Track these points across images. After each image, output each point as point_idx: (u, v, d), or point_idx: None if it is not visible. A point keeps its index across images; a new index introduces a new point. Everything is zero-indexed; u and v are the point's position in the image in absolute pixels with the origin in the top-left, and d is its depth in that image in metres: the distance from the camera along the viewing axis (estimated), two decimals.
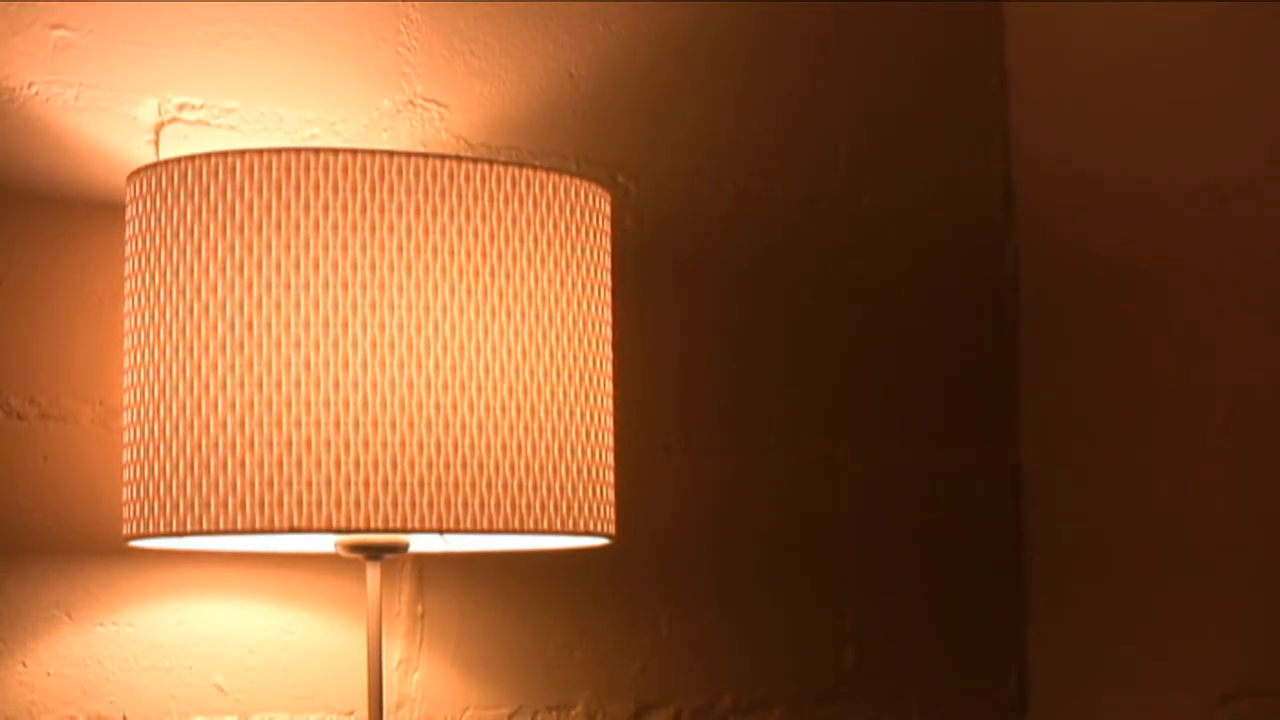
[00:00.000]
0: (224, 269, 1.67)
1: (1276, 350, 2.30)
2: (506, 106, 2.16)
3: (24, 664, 1.85)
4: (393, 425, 1.67)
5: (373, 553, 1.79)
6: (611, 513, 1.83)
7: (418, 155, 1.71)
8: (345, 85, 2.06)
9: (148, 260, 1.72)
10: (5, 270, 1.87)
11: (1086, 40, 2.50)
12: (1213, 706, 2.33)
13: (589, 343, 1.80)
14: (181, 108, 1.97)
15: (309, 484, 1.65)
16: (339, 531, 1.67)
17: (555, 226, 1.77)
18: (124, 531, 1.75)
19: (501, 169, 1.74)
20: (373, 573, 1.81)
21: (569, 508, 1.76)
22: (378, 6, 2.09)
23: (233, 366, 1.66)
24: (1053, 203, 2.52)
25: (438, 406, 1.69)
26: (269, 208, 1.67)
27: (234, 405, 1.66)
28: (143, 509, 1.71)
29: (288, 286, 1.67)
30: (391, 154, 1.70)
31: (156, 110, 1.95)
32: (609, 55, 2.24)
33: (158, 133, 1.95)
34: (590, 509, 1.79)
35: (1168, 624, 2.38)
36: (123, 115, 1.93)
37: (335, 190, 1.68)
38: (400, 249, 1.69)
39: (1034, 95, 2.54)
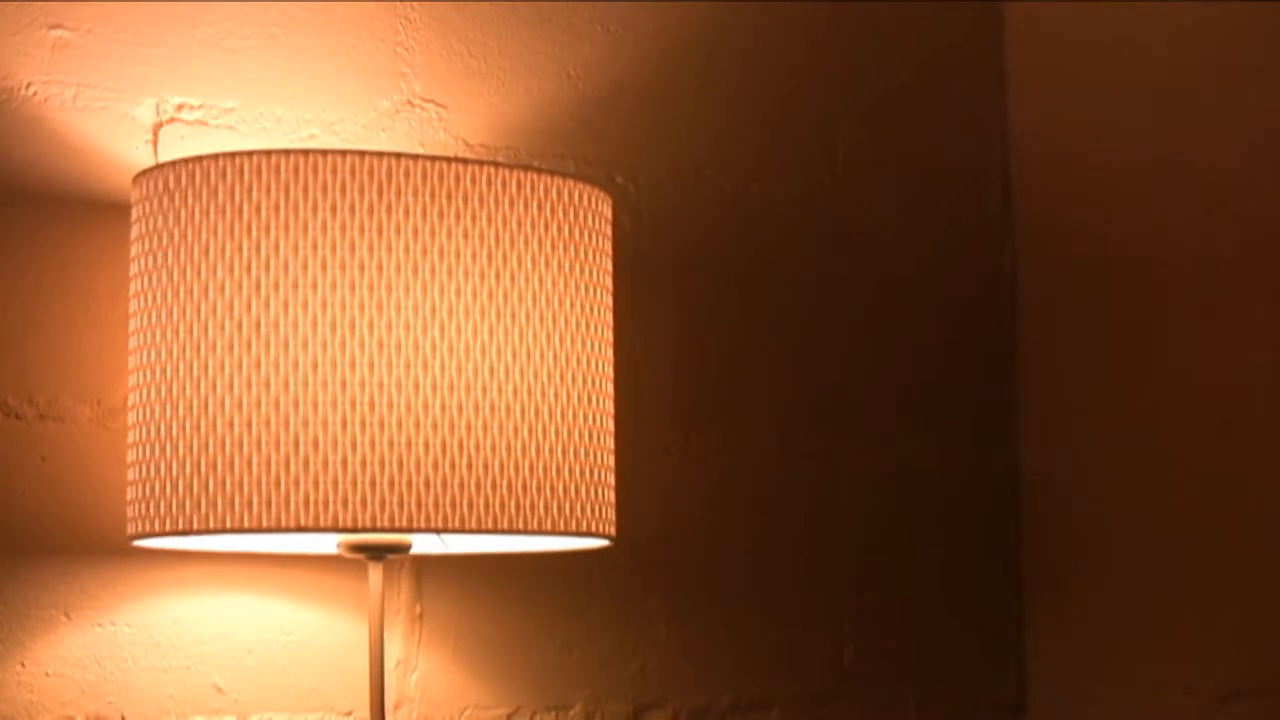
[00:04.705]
0: (230, 269, 1.68)
1: (1276, 350, 2.30)
2: (505, 107, 2.16)
3: (22, 664, 1.85)
4: (397, 426, 1.67)
5: (375, 553, 1.79)
6: (612, 514, 1.83)
7: (416, 156, 1.71)
8: (344, 85, 2.06)
9: (153, 261, 1.72)
10: (2, 270, 1.86)
11: (1085, 40, 2.50)
12: (1213, 706, 2.33)
13: (589, 344, 1.80)
14: (180, 108, 1.96)
15: (315, 483, 1.65)
16: (344, 531, 1.67)
17: (556, 229, 1.77)
18: (128, 531, 1.75)
19: (504, 171, 1.74)
20: (375, 573, 1.81)
21: (570, 508, 1.76)
22: (376, 7, 2.09)
23: (239, 366, 1.66)
24: (1051, 202, 2.52)
25: (442, 407, 1.69)
26: (276, 208, 1.68)
27: (240, 405, 1.66)
28: (147, 508, 1.71)
29: (294, 287, 1.67)
30: (390, 155, 1.70)
31: (155, 110, 1.95)
32: (608, 56, 2.24)
33: (156, 133, 1.95)
34: (591, 510, 1.79)
35: (1168, 624, 2.38)
36: (121, 115, 1.93)
37: (343, 191, 1.68)
38: (406, 250, 1.69)
39: (1033, 95, 2.54)
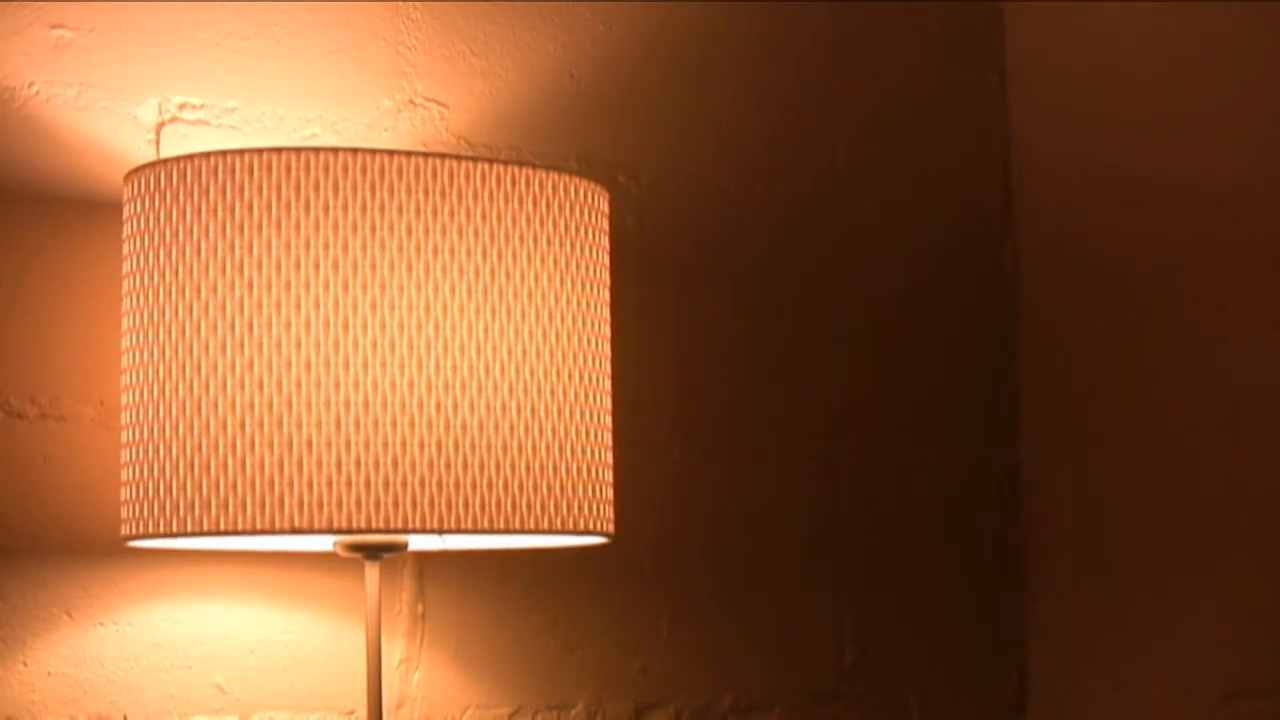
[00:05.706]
0: (223, 268, 1.67)
1: (1277, 349, 2.30)
2: (507, 106, 2.16)
3: (24, 663, 1.85)
4: (393, 425, 1.67)
5: (371, 552, 1.79)
6: (610, 511, 1.83)
7: (418, 154, 1.71)
8: (346, 85, 2.06)
9: (145, 260, 1.72)
10: (5, 270, 1.87)
11: (1086, 40, 2.50)
12: (1213, 706, 2.33)
13: (588, 342, 1.80)
14: (182, 107, 1.97)
15: (309, 484, 1.65)
16: (339, 532, 1.67)
17: (554, 225, 1.77)
18: (122, 532, 1.75)
19: (500, 168, 1.74)
20: (371, 572, 1.81)
21: (566, 506, 1.76)
22: (378, 6, 2.09)
23: (232, 366, 1.66)
24: (1052, 202, 2.52)
25: (438, 406, 1.69)
26: (269, 207, 1.67)
27: (233, 405, 1.66)
28: (141, 509, 1.70)
29: (287, 286, 1.67)
30: (391, 153, 1.70)
31: (157, 110, 1.95)
32: (609, 55, 2.24)
33: (158, 132, 1.95)
34: (588, 508, 1.78)
35: (1168, 624, 2.38)
36: (123, 115, 1.93)
37: (335, 190, 1.68)
38: (400, 248, 1.69)
39: (1033, 95, 2.54)
